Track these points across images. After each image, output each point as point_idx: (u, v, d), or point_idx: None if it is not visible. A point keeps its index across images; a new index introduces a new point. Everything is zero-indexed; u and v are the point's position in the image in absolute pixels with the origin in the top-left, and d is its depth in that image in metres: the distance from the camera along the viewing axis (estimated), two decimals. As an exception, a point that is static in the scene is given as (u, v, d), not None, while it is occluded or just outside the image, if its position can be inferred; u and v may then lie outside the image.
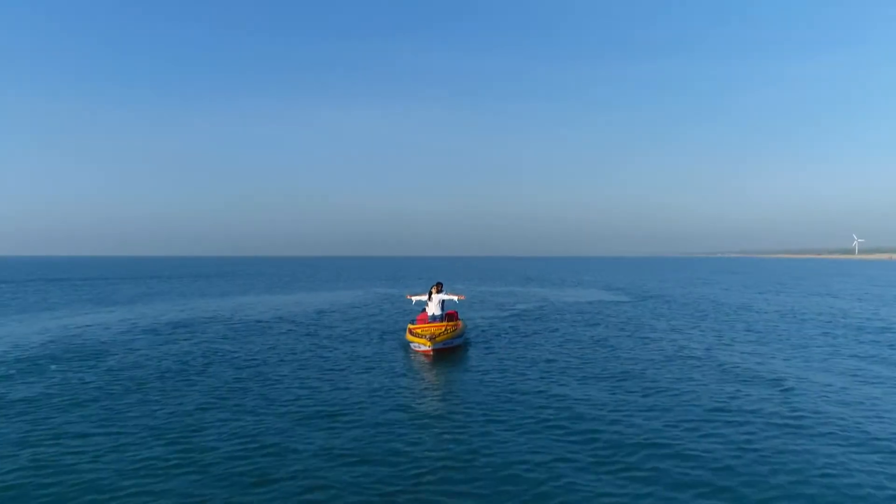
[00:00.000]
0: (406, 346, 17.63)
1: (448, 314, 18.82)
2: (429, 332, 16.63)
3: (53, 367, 15.27)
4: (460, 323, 18.32)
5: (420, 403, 11.69)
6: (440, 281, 19.23)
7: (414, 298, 19.77)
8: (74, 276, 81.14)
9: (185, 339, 20.09)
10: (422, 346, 16.21)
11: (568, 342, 19.01)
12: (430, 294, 18.34)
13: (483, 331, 21.72)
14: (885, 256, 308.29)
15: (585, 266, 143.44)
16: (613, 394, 12.28)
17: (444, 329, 16.83)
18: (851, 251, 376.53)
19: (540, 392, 12.42)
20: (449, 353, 16.51)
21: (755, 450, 8.93)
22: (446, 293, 18.60)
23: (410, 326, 17.75)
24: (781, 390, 12.54)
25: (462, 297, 19.23)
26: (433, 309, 18.21)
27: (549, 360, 15.77)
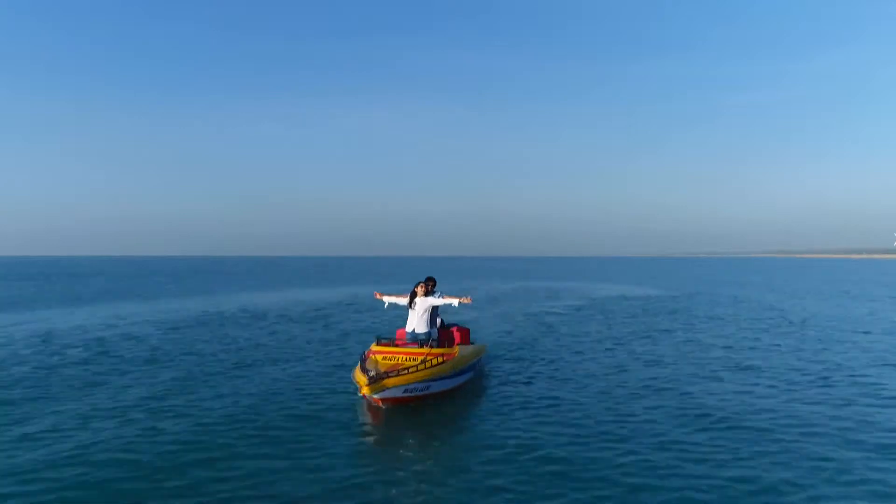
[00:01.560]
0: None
1: (450, 331, 11.72)
2: (390, 362, 9.75)
3: None
4: (457, 349, 10.87)
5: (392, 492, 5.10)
6: (432, 276, 11.51)
7: (386, 299, 11.89)
8: (52, 275, 76.65)
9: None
10: (360, 389, 8.67)
11: (620, 376, 12.14)
12: (413, 296, 11.19)
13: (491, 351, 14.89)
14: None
15: (614, 267, 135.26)
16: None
17: (421, 359, 9.68)
18: (894, 251, 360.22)
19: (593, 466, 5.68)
20: (433, 400, 9.62)
21: None
22: (440, 295, 11.21)
23: (372, 348, 10.58)
24: None
25: (467, 300, 11.09)
26: (415, 321, 10.98)
27: (597, 413, 8.94)
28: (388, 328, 16.70)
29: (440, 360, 9.88)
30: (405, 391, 9.07)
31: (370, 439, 8.06)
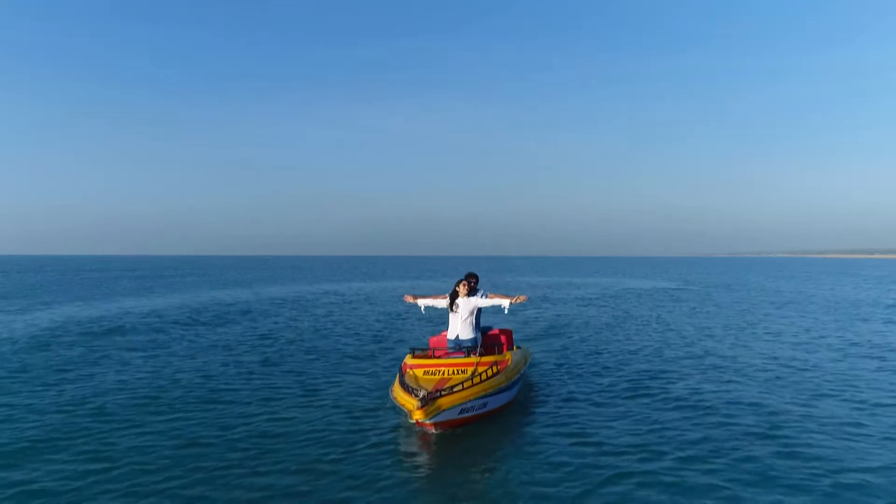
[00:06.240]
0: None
1: (490, 336, 10.01)
2: (433, 378, 8.06)
3: None
4: (509, 355, 9.16)
5: None
6: (473, 272, 9.86)
7: (421, 302, 10.00)
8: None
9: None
10: (411, 415, 6.98)
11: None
12: (455, 296, 9.41)
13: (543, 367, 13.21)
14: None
15: (638, 266, 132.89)
16: None
17: (471, 371, 8.06)
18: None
19: None
20: (480, 420, 7.91)
21: None
22: (484, 294, 9.44)
23: (408, 362, 8.74)
24: None
25: (522, 299, 9.33)
26: (459, 326, 9.23)
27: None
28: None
29: (495, 369, 8.23)
30: (461, 411, 7.38)
31: (422, 473, 6.42)
